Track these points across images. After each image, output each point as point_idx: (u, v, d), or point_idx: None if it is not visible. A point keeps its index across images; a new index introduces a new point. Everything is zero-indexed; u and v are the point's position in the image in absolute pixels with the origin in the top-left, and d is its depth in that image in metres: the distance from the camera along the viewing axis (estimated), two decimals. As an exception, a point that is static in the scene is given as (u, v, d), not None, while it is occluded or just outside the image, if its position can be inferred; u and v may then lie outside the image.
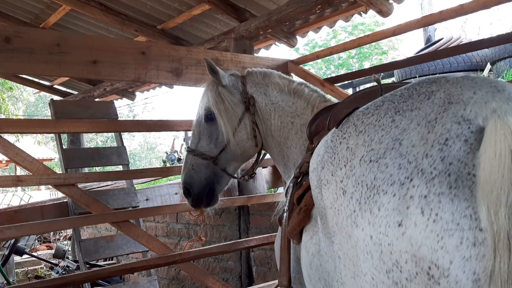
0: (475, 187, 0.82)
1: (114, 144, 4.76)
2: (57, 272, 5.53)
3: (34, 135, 14.41)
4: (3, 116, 12.11)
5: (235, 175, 2.45)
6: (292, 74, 3.80)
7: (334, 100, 2.22)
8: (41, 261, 6.59)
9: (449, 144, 0.87)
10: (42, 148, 19.84)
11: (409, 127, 0.96)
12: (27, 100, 21.81)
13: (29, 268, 6.99)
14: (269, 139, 2.27)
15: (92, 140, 23.90)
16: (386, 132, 1.00)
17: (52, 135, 12.32)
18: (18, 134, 11.55)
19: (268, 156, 2.48)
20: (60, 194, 7.05)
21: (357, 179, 1.00)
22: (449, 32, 8.85)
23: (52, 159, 20.49)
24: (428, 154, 0.89)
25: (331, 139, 1.19)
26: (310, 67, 15.07)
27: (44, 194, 16.59)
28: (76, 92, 7.50)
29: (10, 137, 11.25)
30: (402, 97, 1.05)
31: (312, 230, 1.40)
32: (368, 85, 6.31)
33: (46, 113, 23.23)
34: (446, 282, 0.81)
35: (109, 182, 5.49)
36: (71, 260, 5.44)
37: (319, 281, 1.35)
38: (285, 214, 1.65)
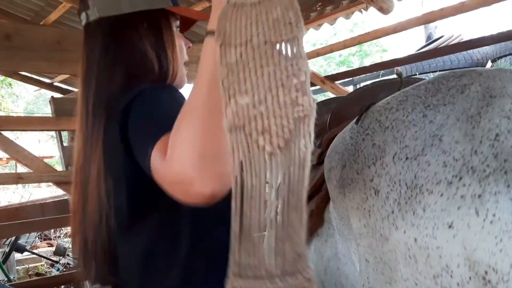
0: None
1: (115, 142, 4.75)
2: (58, 270, 5.54)
3: (35, 132, 14.40)
4: (3, 114, 12.11)
5: None
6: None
7: (317, 99, 2.22)
8: (42, 258, 6.60)
9: (501, 140, 0.81)
10: (43, 145, 19.85)
11: (446, 122, 0.90)
12: (27, 98, 21.82)
13: (29, 266, 7.00)
14: None
15: (93, 137, 23.87)
16: (419, 128, 0.93)
17: (52, 132, 12.33)
18: (18, 132, 11.55)
19: None
20: (60, 192, 7.06)
21: (393, 178, 0.93)
22: (450, 29, 8.84)
23: (52, 157, 20.50)
24: (478, 151, 0.82)
25: (350, 135, 1.13)
26: (311, 65, 15.05)
27: (44, 192, 16.59)
28: (77, 90, 7.49)
29: (10, 135, 11.24)
30: (428, 91, 0.99)
31: (326, 233, 1.34)
32: (369, 82, 6.32)
33: (46, 111, 23.21)
34: (505, 287, 0.75)
35: (110, 180, 5.49)
36: (72, 258, 5.44)
37: (334, 286, 1.30)
38: None
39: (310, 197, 1.43)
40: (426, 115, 0.94)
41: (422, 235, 0.85)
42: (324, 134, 1.73)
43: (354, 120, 1.15)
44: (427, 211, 0.85)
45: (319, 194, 1.38)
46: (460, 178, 0.82)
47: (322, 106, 1.94)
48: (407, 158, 0.92)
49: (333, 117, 1.57)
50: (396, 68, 1.40)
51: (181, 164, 0.62)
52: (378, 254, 0.96)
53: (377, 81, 1.52)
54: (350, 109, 1.49)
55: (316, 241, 1.39)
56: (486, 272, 0.76)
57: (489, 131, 0.83)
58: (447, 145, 0.87)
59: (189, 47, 1.17)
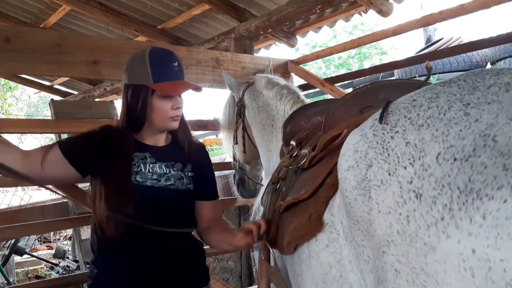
0: None
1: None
2: (57, 272, 5.53)
3: (36, 135, 14.40)
4: (3, 116, 12.11)
5: (255, 179, 2.58)
6: (292, 74, 3.81)
7: (307, 101, 2.21)
8: (41, 261, 6.60)
9: None
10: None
11: (497, 122, 0.82)
12: (27, 100, 21.81)
13: (29, 268, 6.99)
14: (258, 144, 2.28)
15: (92, 140, 23.82)
16: (464, 127, 0.86)
17: (52, 135, 12.33)
18: (21, 136, 11.54)
19: None
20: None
21: (440, 181, 0.84)
22: (449, 32, 8.85)
23: (52, 159, 20.43)
24: None
25: (374, 133, 1.04)
26: (310, 67, 15.06)
27: (44, 194, 16.56)
28: (76, 92, 7.50)
29: (13, 139, 11.25)
30: (463, 89, 0.93)
31: (327, 237, 1.23)
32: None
33: (46, 113, 23.19)
34: None
35: (109, 182, 5.47)
36: (71, 260, 5.44)
37: None
38: None
39: (305, 200, 1.36)
40: (468, 113, 0.88)
41: (482, 245, 0.75)
42: (315, 137, 1.66)
43: (373, 117, 1.08)
44: (487, 219, 0.75)
45: (315, 197, 1.31)
46: None
47: (309, 108, 1.92)
48: (455, 159, 0.84)
49: (329, 119, 1.53)
50: (427, 62, 1.32)
51: None
52: (419, 265, 0.87)
53: (372, 83, 1.49)
54: (348, 111, 1.45)
55: (314, 246, 1.29)
56: None
57: None
58: (504, 146, 0.78)
59: (177, 108, 1.66)
